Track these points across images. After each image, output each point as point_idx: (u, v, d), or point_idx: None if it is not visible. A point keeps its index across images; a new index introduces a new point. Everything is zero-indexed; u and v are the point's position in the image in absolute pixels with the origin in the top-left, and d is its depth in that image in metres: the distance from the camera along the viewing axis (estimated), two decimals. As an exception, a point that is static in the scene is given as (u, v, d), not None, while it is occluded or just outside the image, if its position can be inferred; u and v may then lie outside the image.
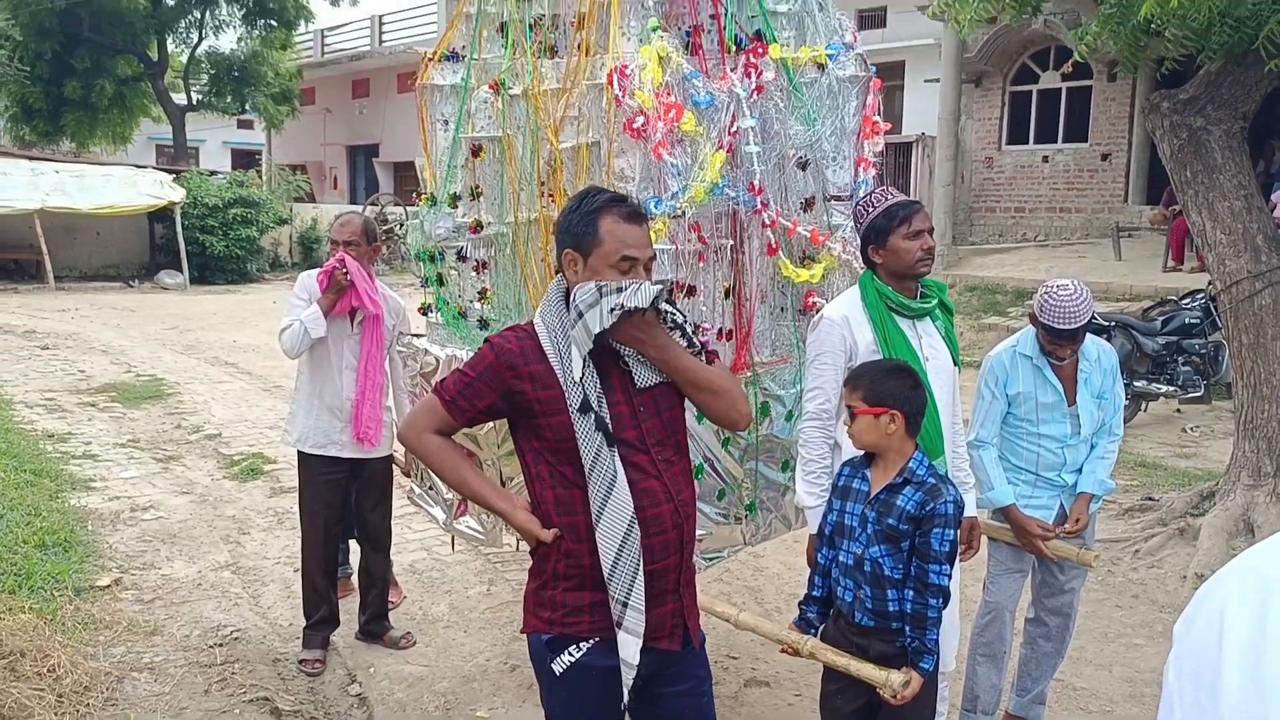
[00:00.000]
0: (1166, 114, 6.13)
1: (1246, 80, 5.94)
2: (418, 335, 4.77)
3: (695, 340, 2.63)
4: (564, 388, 2.50)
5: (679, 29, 3.70)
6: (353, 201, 33.24)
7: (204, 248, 22.65)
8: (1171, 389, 9.30)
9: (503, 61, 4.07)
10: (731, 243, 3.82)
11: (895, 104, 21.72)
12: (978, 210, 20.28)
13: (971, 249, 18.21)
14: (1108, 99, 18.39)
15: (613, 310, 2.43)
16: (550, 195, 3.88)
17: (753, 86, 3.66)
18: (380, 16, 33.49)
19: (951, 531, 2.85)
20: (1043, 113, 19.39)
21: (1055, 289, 3.76)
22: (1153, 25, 5.42)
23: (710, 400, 2.64)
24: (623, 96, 3.47)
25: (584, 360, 2.49)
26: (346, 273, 4.53)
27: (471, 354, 4.12)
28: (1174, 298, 10.38)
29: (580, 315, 2.48)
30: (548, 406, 2.51)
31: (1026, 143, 19.62)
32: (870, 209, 3.38)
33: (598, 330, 2.46)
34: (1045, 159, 19.33)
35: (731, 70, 3.68)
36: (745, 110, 3.65)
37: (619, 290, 2.45)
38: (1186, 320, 9.47)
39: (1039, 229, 19.35)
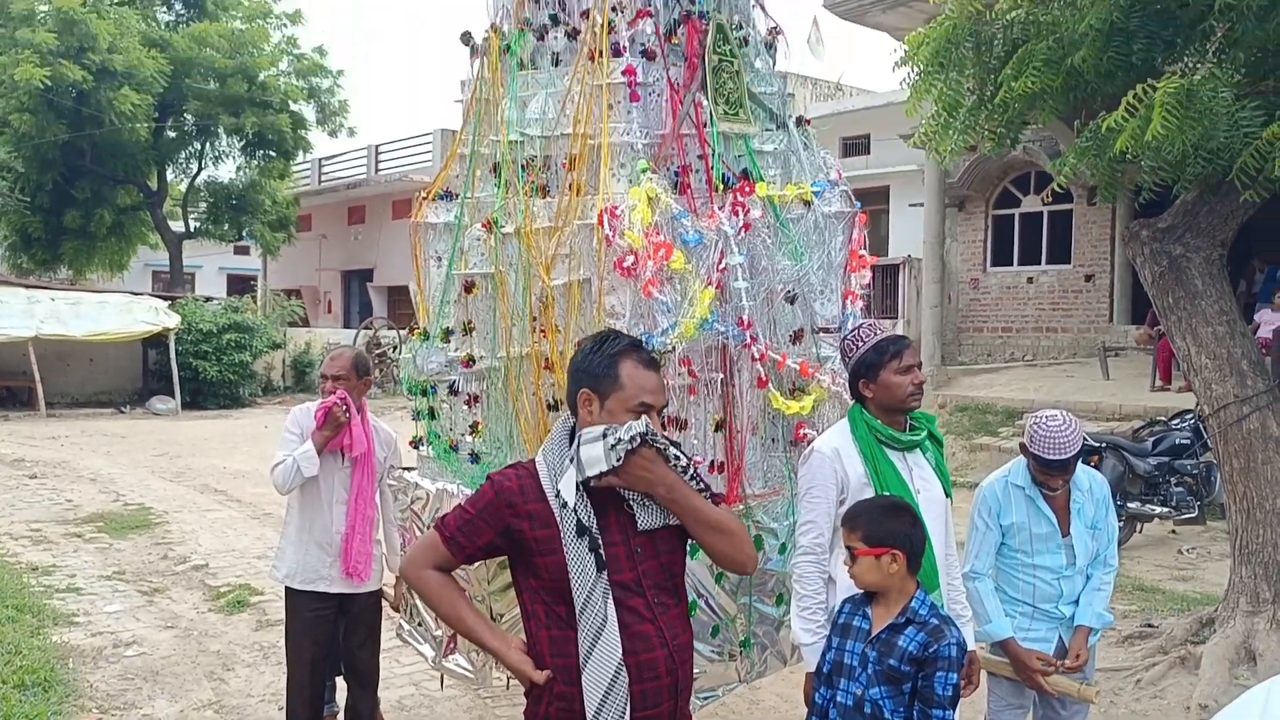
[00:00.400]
0: (1146, 242, 6.25)
1: (1223, 209, 6.09)
2: (409, 469, 4.75)
3: (702, 481, 2.63)
4: (560, 525, 2.49)
5: (668, 169, 3.80)
6: (347, 325, 33.49)
7: (197, 373, 22.72)
8: (1166, 510, 9.26)
9: (496, 200, 4.16)
10: (722, 376, 3.85)
11: (881, 227, 22.14)
12: (965, 330, 20.49)
13: (960, 369, 18.33)
14: (1089, 221, 18.77)
15: (614, 446, 2.44)
16: (542, 331, 3.92)
17: (740, 224, 3.74)
18: (377, 146, 34.28)
19: (954, 675, 2.80)
20: (1025, 235, 19.75)
21: (1045, 420, 3.78)
22: (1129, 157, 5.57)
23: (718, 540, 2.61)
24: (613, 236, 3.54)
25: (577, 487, 2.49)
26: (346, 409, 4.52)
27: (461, 487, 4.12)
28: (1163, 418, 10.42)
29: (577, 451, 2.49)
30: (544, 545, 2.51)
31: (1011, 264, 19.93)
32: (859, 343, 3.41)
33: (601, 469, 2.46)
34: (1030, 280, 19.62)
35: (719, 208, 3.76)
36: (733, 247, 3.72)
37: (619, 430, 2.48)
38: (1177, 441, 9.48)
39: (1026, 348, 19.52)
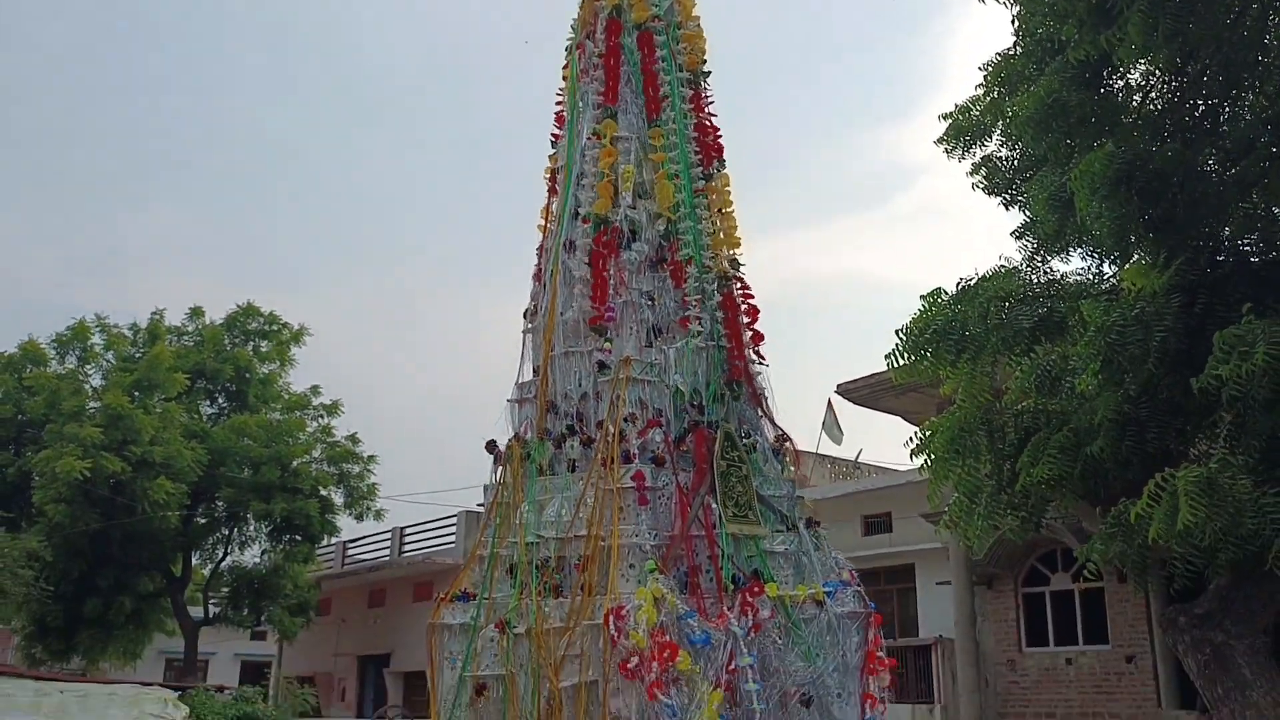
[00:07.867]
0: (1185, 629, 6.02)
1: (1261, 595, 5.91)
2: None
3: None
4: None
5: (678, 569, 3.74)
6: (359, 714, 32.18)
7: (206, 768, 21.57)
8: None
9: (511, 600, 4.10)
10: (739, 790, 3.58)
11: (909, 606, 21.66)
12: (1006, 716, 19.41)
13: (1008, 760, 17.22)
14: (1122, 600, 18.23)
15: None
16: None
17: (750, 624, 3.63)
18: (402, 529, 34.43)
19: None
20: (1059, 613, 19.15)
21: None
22: (1159, 544, 5.49)
23: None
24: (618, 636, 3.43)
25: None
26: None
27: None
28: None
29: None
30: None
31: (1047, 644, 19.19)
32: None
33: None
34: (1068, 661, 18.81)
35: (729, 609, 3.66)
36: (743, 648, 3.59)
37: None
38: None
39: (1075, 736, 18.39)
